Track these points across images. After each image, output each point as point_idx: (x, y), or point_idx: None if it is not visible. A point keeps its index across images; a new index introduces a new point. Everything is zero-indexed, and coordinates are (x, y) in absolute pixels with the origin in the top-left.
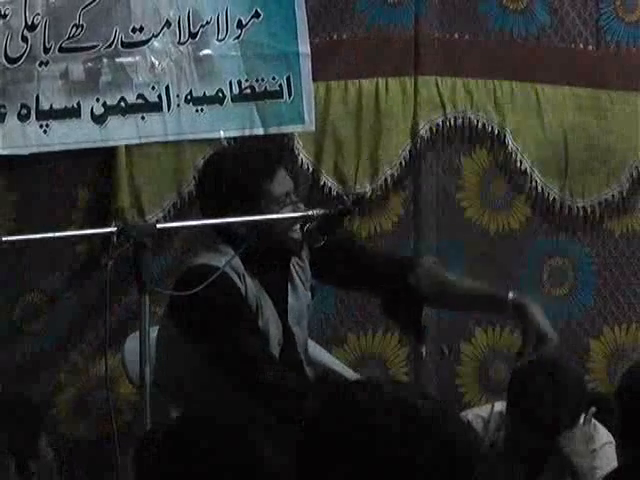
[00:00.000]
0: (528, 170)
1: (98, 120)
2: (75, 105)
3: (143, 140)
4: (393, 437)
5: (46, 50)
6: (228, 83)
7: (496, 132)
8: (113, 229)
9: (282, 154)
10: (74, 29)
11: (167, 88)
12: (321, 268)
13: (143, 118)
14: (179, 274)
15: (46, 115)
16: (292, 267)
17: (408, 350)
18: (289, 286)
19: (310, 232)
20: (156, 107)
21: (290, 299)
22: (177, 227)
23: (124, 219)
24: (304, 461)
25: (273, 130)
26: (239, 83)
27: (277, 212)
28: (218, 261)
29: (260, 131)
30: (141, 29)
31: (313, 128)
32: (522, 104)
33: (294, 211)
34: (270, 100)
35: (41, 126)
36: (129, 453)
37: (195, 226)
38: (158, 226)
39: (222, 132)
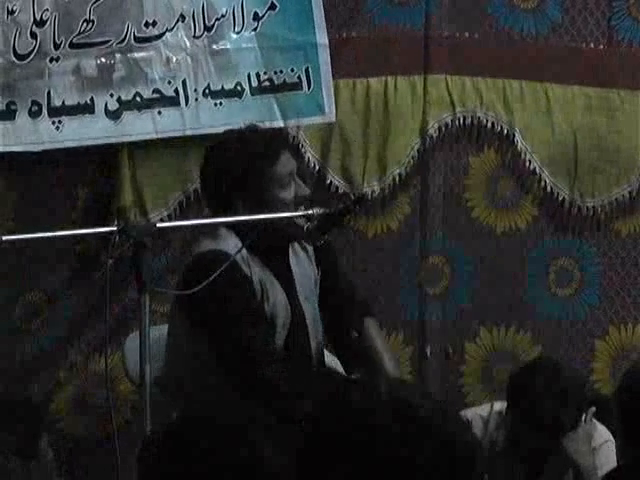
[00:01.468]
0: (537, 170)
1: (113, 116)
2: (88, 101)
3: (160, 135)
4: (393, 437)
5: (56, 46)
6: (246, 76)
7: (505, 131)
8: (113, 228)
9: (286, 136)
10: (84, 24)
11: (184, 82)
12: None
13: (160, 113)
14: (188, 262)
15: (58, 111)
16: (294, 244)
17: (412, 350)
18: (292, 261)
19: (310, 231)
20: (173, 101)
21: (295, 273)
22: (177, 226)
23: (126, 218)
24: (304, 461)
25: (293, 122)
26: (257, 76)
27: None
28: (222, 246)
29: (280, 123)
30: (154, 23)
31: (334, 119)
32: (531, 103)
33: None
34: (289, 92)
35: (53, 122)
36: (131, 452)
37: (195, 225)
38: (158, 225)
39: (242, 126)
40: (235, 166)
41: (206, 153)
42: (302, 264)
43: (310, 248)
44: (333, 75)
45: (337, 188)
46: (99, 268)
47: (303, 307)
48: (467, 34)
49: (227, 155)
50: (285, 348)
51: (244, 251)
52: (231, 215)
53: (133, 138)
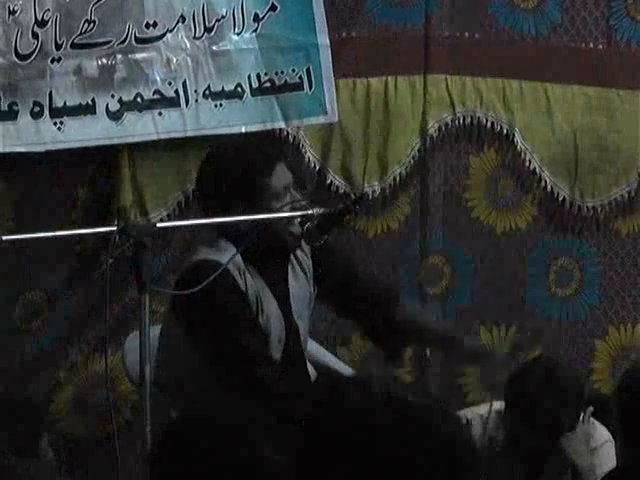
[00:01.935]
0: (537, 170)
1: (114, 116)
2: (90, 102)
3: (161, 136)
4: (392, 437)
5: (58, 46)
6: (247, 77)
7: (505, 131)
8: (113, 228)
9: (281, 148)
10: (86, 25)
11: (184, 83)
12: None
13: (160, 114)
14: (182, 270)
15: (60, 112)
16: (293, 259)
17: (412, 350)
18: (290, 278)
19: (310, 231)
20: (173, 102)
21: (292, 290)
22: (177, 226)
23: (126, 218)
24: (304, 461)
25: (295, 123)
26: (258, 77)
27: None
28: (220, 257)
29: (282, 124)
30: (155, 24)
31: (336, 119)
32: (531, 103)
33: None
34: (290, 93)
35: (55, 123)
36: (131, 452)
37: (195, 225)
38: (158, 225)
39: (243, 127)
40: (229, 179)
41: (202, 162)
42: (300, 283)
43: (309, 270)
44: (334, 75)
45: (337, 188)
46: (99, 268)
47: (297, 324)
48: (467, 34)
49: (222, 167)
50: (281, 363)
51: (242, 263)
52: (232, 222)
53: (134, 139)
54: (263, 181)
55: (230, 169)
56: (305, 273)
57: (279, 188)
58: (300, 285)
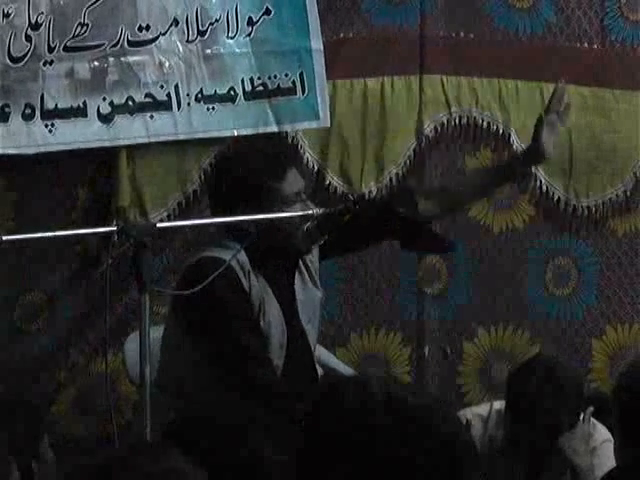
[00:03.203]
0: (532, 169)
1: (105, 119)
2: (81, 104)
3: (153, 139)
4: (392, 437)
5: (50, 49)
6: (240, 81)
7: (501, 131)
8: (113, 228)
9: (293, 153)
10: (79, 28)
11: (176, 87)
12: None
13: (152, 117)
14: (185, 266)
15: (51, 114)
16: (301, 264)
17: (410, 350)
18: (298, 283)
19: (310, 231)
20: (165, 106)
21: (299, 296)
22: (177, 226)
23: (125, 218)
24: (304, 461)
25: (287, 127)
26: (251, 80)
27: (286, 211)
28: (224, 255)
29: (274, 129)
30: (148, 28)
31: (329, 124)
32: (527, 103)
33: (302, 210)
34: (283, 97)
35: (46, 125)
36: None
37: (196, 225)
38: (158, 225)
39: (235, 131)
40: (241, 183)
41: (212, 170)
42: (307, 288)
43: (317, 273)
44: (331, 76)
45: (336, 189)
46: (99, 268)
47: (305, 329)
48: (463, 34)
49: (234, 169)
50: (286, 369)
51: (247, 264)
52: (233, 222)
53: (126, 142)
54: (274, 186)
55: (242, 172)
56: (313, 278)
57: (290, 193)
58: (308, 290)
